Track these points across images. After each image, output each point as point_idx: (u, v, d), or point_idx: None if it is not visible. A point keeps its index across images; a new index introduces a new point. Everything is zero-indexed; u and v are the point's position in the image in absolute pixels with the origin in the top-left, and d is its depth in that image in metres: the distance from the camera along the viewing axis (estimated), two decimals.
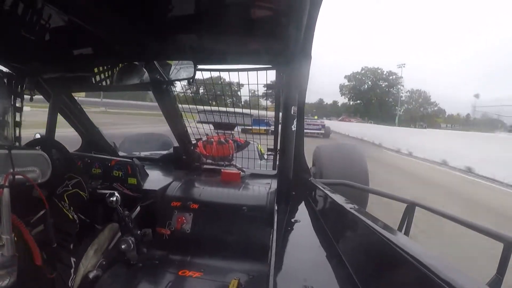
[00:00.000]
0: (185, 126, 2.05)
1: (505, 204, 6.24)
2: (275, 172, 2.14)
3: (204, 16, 1.15)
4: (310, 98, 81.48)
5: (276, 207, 1.44)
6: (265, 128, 2.84)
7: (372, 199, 2.97)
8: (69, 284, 1.28)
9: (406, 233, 1.50)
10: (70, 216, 1.40)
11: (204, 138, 2.30)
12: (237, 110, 2.29)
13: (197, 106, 2.18)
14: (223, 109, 2.08)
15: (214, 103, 2.18)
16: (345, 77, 78.35)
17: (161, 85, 1.71)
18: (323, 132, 23.51)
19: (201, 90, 2.04)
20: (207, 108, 2.20)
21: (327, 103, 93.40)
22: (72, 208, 1.43)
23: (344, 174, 2.73)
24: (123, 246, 1.39)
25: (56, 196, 1.41)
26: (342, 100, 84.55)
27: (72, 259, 1.33)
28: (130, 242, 1.40)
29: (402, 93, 72.49)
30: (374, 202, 3.47)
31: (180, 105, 1.94)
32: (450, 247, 3.61)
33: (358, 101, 78.56)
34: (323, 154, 3.21)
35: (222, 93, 2.08)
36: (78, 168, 1.74)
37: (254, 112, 2.26)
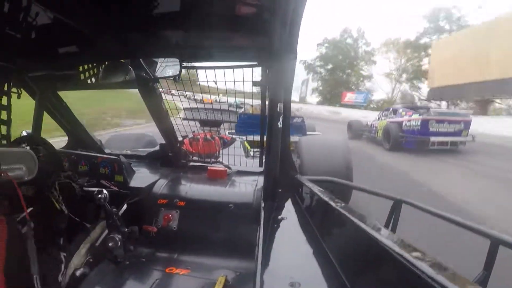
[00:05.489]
0: (171, 123, 2.05)
1: None
2: (261, 169, 2.15)
3: (189, 13, 1.15)
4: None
5: (262, 205, 1.45)
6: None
7: None
8: (59, 281, 1.28)
9: (393, 229, 1.51)
10: (58, 207, 1.38)
11: (190, 135, 2.31)
12: (223, 105, 2.29)
13: (182, 103, 2.19)
14: (209, 105, 2.10)
15: (200, 100, 2.19)
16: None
17: (147, 83, 1.71)
18: (465, 139, 10.21)
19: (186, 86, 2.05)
20: (193, 104, 2.22)
21: None
22: (61, 198, 1.41)
23: (327, 168, 2.77)
24: (110, 244, 1.39)
25: (47, 185, 1.38)
26: None
27: (63, 255, 1.33)
28: (117, 239, 1.40)
29: None
30: None
31: (166, 102, 1.95)
32: None
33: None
34: (305, 147, 3.24)
35: (208, 90, 2.10)
36: (64, 165, 1.74)
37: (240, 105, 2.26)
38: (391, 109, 12.30)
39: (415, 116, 10.36)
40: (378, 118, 12.53)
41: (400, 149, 10.24)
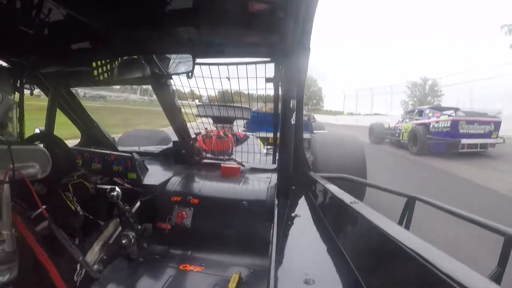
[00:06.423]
0: (184, 120, 2.05)
1: None
2: (275, 166, 2.14)
3: (202, 9, 1.14)
4: None
5: (276, 202, 1.45)
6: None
7: None
8: (75, 279, 1.28)
9: (407, 226, 1.51)
10: (73, 208, 1.39)
11: (204, 132, 2.30)
12: (236, 103, 2.28)
13: (196, 101, 2.18)
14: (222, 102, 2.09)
15: (213, 97, 2.18)
16: None
17: (160, 79, 1.71)
18: (496, 140, 9.70)
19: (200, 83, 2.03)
20: (206, 101, 2.21)
21: None
22: (75, 199, 1.42)
23: (341, 166, 2.74)
24: (123, 241, 1.40)
25: (60, 186, 1.39)
26: None
27: (77, 254, 1.34)
28: (131, 237, 1.41)
29: None
30: None
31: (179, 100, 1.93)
32: None
33: None
34: (320, 144, 3.21)
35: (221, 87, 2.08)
36: (77, 163, 1.75)
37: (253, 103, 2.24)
38: (416, 110, 11.67)
39: (444, 117, 9.77)
40: (402, 120, 11.94)
41: (428, 153, 9.60)
